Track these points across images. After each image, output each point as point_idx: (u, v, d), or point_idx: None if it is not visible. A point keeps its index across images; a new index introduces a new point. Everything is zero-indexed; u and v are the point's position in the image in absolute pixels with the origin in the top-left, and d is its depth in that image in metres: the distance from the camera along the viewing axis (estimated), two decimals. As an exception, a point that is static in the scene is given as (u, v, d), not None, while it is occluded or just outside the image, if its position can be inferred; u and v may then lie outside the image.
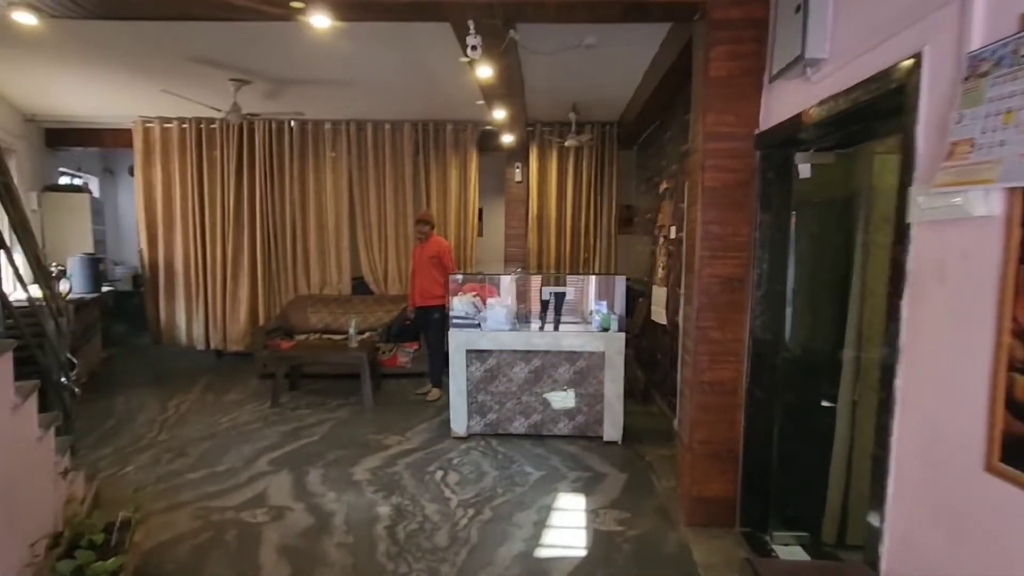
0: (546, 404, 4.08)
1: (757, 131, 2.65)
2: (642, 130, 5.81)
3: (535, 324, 4.11)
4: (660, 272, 4.79)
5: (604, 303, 4.03)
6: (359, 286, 6.89)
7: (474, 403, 4.12)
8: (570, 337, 3.98)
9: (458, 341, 4.01)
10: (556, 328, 4.09)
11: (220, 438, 4.09)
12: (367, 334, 6.12)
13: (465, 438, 4.10)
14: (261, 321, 6.46)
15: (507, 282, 4.44)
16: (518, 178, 6.88)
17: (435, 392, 5.18)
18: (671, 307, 4.44)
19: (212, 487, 3.29)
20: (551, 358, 4.04)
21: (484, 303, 4.11)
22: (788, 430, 2.72)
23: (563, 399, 4.04)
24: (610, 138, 6.33)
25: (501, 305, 4.07)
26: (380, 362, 5.63)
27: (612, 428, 4.01)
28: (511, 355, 4.05)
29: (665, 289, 4.63)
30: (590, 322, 4.16)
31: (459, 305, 4.11)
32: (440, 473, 3.53)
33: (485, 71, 3.61)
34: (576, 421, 4.09)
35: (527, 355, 4.04)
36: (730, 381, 2.80)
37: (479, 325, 4.06)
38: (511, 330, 4.01)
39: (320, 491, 3.26)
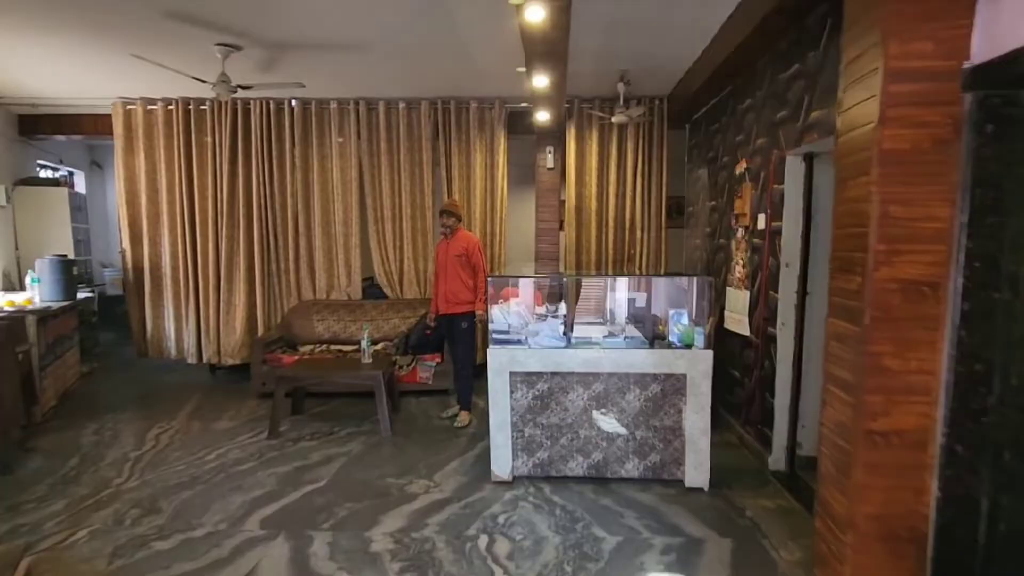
0: (610, 440, 3.24)
1: (968, 64, 1.79)
2: (700, 104, 4.93)
3: (595, 338, 3.26)
4: (739, 271, 3.93)
5: (683, 312, 3.18)
6: (371, 290, 6.08)
7: (520, 438, 3.29)
8: (643, 356, 3.13)
9: (499, 361, 3.18)
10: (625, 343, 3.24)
11: (203, 484, 3.28)
12: (381, 345, 5.32)
13: (510, 483, 3.27)
14: (260, 331, 5.65)
15: (556, 286, 3.59)
16: (550, 164, 6.02)
17: (464, 416, 4.36)
18: (758, 314, 3.58)
19: (185, 564, 2.48)
20: (617, 381, 3.19)
21: (531, 313, 3.27)
22: (1006, 506, 1.86)
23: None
24: (659, 116, 5.46)
25: (553, 316, 3.22)
26: (397, 378, 4.81)
27: (696, 471, 3.16)
28: (566, 378, 3.21)
29: (746, 292, 3.76)
30: (659, 334, 3.31)
31: (500, 317, 3.26)
32: (484, 539, 2.69)
33: (536, 13, 2.76)
34: (649, 460, 3.24)
35: (586, 378, 3.20)
36: (916, 431, 1.94)
37: (525, 340, 3.23)
38: (567, 347, 3.17)
39: (327, 570, 2.44)
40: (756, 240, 3.64)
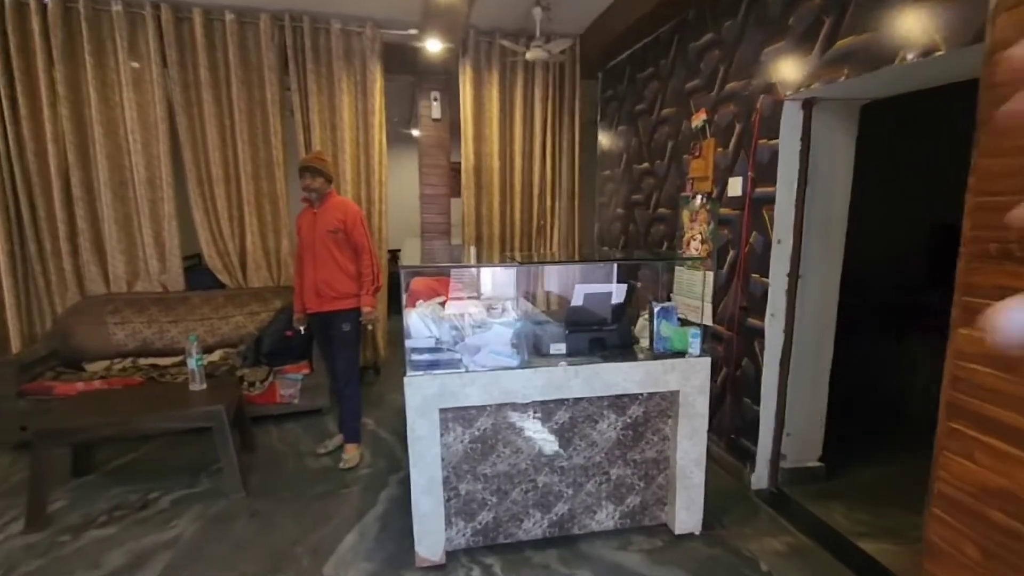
0: (577, 485, 2.37)
1: None
2: (622, 46, 4.14)
3: (555, 348, 2.31)
4: (696, 247, 3.25)
5: (671, 307, 2.37)
6: (198, 276, 4.45)
7: (455, 499, 2.27)
8: (626, 371, 2.27)
9: (423, 396, 2.10)
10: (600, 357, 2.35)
11: None
12: (220, 354, 3.85)
13: (442, 566, 2.25)
14: (15, 345, 3.78)
15: (499, 277, 2.58)
16: (436, 114, 4.87)
17: (352, 451, 3.19)
18: (729, 301, 2.94)
19: None
20: (587, 407, 2.31)
21: (468, 318, 2.22)
22: None
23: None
24: (571, 60, 4.58)
25: (499, 320, 2.21)
26: (246, 399, 3.43)
27: (687, 512, 2.43)
28: (520, 409, 2.25)
29: (706, 274, 3.10)
30: (625, 340, 2.47)
31: (420, 326, 2.16)
32: None
33: None
34: (627, 505, 2.45)
35: (547, 407, 2.27)
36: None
37: (460, 360, 2.18)
38: (521, 365, 2.18)
39: None
40: (727, 210, 2.96)
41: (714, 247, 3.10)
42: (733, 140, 2.89)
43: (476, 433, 2.24)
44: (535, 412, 2.28)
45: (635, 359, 2.30)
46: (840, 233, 2.68)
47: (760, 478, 2.82)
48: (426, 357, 2.08)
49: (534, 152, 4.65)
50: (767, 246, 2.67)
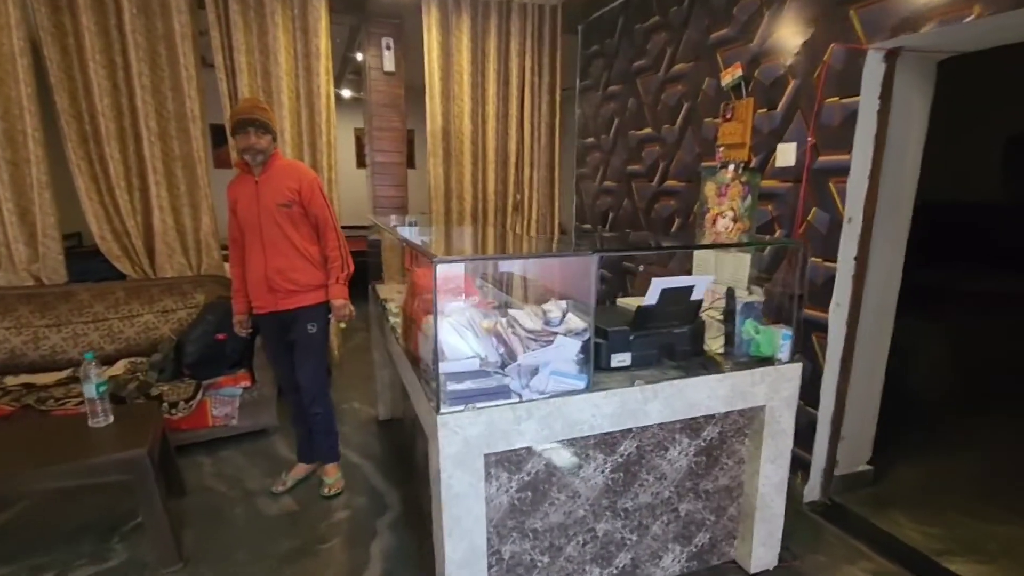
0: (642, 529, 1.88)
1: None
2: (614, -6, 3.60)
3: (618, 360, 1.78)
4: (725, 225, 2.83)
5: (755, 302, 1.90)
6: (86, 264, 3.46)
7: (497, 565, 1.70)
8: (711, 387, 1.78)
9: (465, 439, 1.49)
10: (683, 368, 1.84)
11: None
12: (124, 366, 2.99)
13: (487, 658, 1.68)
14: None
15: (552, 269, 1.98)
16: (389, 66, 4.09)
17: (334, 473, 2.57)
18: (776, 288, 2.55)
19: None
20: (656, 432, 1.82)
21: (524, 332, 1.61)
22: None
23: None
24: (551, 10, 3.96)
25: (558, 326, 1.62)
26: (169, 426, 2.60)
27: (764, 547, 2.03)
28: (579, 444, 1.71)
29: (742, 256, 2.69)
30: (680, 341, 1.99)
31: (457, 341, 1.54)
32: None
33: None
34: (695, 544, 2.00)
35: (611, 438, 1.75)
36: None
37: (512, 386, 1.58)
38: (588, 387, 1.62)
39: None
40: (774, 183, 2.54)
41: (752, 225, 2.68)
42: (784, 99, 2.46)
43: (526, 478, 1.67)
44: (598, 444, 1.75)
45: (718, 370, 1.82)
46: (908, 209, 2.35)
47: (812, 489, 2.49)
48: (467, 386, 1.47)
49: (510, 114, 4.02)
50: (834, 225, 2.28)
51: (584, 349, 1.61)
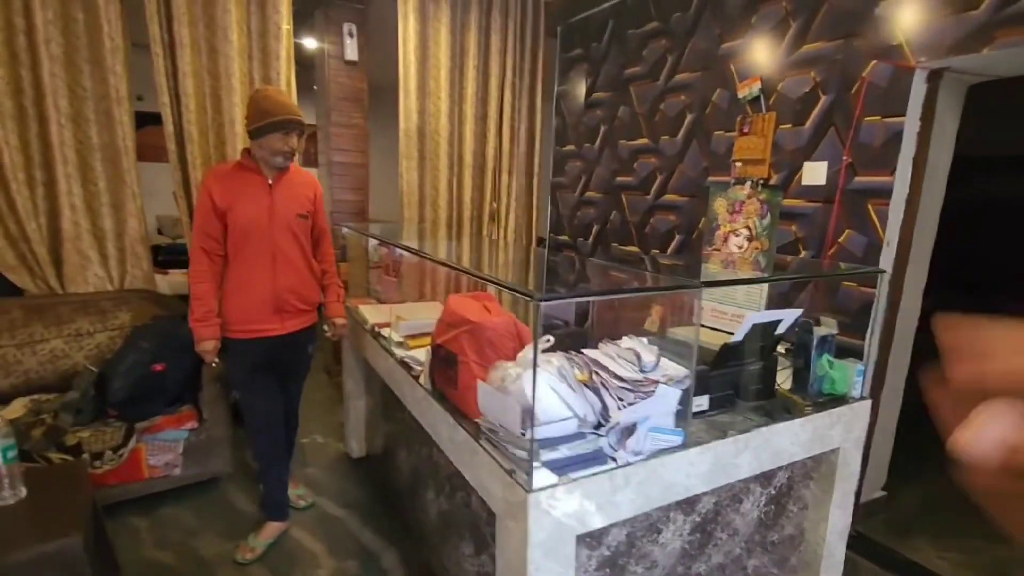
0: (713, 591, 1.66)
1: None
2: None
3: (696, 404, 1.53)
4: (738, 244, 2.70)
5: (829, 332, 1.74)
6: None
7: (569, 664, 1.39)
8: (795, 432, 1.58)
9: (554, 519, 1.18)
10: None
11: None
12: (22, 405, 2.36)
13: None
14: None
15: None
16: (351, 54, 3.66)
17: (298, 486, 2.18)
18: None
19: None
20: (733, 486, 1.60)
21: (595, 374, 1.32)
22: None
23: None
24: (534, 9, 3.71)
25: (652, 371, 1.35)
26: (94, 482, 2.02)
27: (825, 597, 1.87)
28: (663, 508, 1.45)
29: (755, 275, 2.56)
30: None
31: (550, 399, 1.22)
32: None
33: None
34: (759, 603, 1.80)
35: (691, 498, 1.50)
36: None
37: (605, 448, 1.28)
38: (684, 442, 1.36)
39: None
40: (798, 202, 2.43)
41: (772, 245, 2.56)
42: (814, 115, 2.35)
43: (606, 554, 1.38)
44: (680, 504, 1.49)
45: (800, 412, 1.63)
46: (932, 231, 2.32)
47: (840, 521, 2.39)
48: (562, 453, 1.16)
49: (488, 116, 3.70)
50: (871, 248, 2.19)
51: (683, 399, 1.35)
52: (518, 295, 1.14)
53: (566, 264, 2.53)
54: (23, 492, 1.62)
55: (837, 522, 1.81)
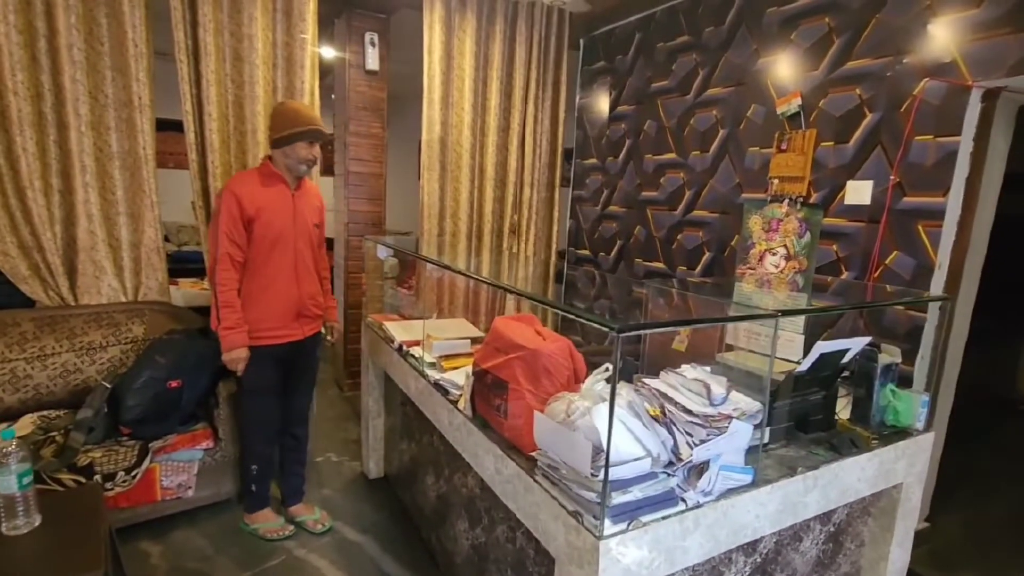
0: (771, 637, 1.55)
1: None
2: (630, 7, 3.37)
3: (756, 438, 1.44)
4: (774, 263, 2.62)
5: (892, 362, 1.65)
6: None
7: None
8: (861, 468, 1.49)
9: (624, 567, 1.08)
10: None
11: None
12: (31, 422, 2.26)
13: None
14: None
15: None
16: (372, 64, 3.60)
17: (313, 510, 2.13)
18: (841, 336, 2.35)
19: None
20: (793, 524, 1.50)
21: (662, 409, 1.23)
22: None
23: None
24: (558, 24, 3.66)
25: (722, 404, 1.26)
26: (107, 504, 1.92)
27: (882, 642, 1.76)
28: (726, 552, 1.35)
29: (800, 296, 2.49)
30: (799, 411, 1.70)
31: (624, 437, 1.12)
32: None
33: None
34: (814, 648, 1.69)
35: (754, 540, 1.41)
36: None
37: (677, 489, 1.19)
38: (753, 484, 1.27)
39: None
40: (840, 221, 2.36)
41: (811, 265, 2.48)
42: (859, 133, 2.29)
43: (666, 602, 1.29)
44: (742, 546, 1.40)
45: (867, 446, 1.54)
46: (982, 253, 2.24)
47: (884, 555, 2.29)
48: (634, 495, 1.07)
49: (511, 128, 3.64)
50: (921, 271, 2.11)
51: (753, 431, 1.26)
52: (592, 324, 1.05)
53: (622, 287, 2.46)
54: (37, 520, 1.53)
55: (896, 560, 1.72)
